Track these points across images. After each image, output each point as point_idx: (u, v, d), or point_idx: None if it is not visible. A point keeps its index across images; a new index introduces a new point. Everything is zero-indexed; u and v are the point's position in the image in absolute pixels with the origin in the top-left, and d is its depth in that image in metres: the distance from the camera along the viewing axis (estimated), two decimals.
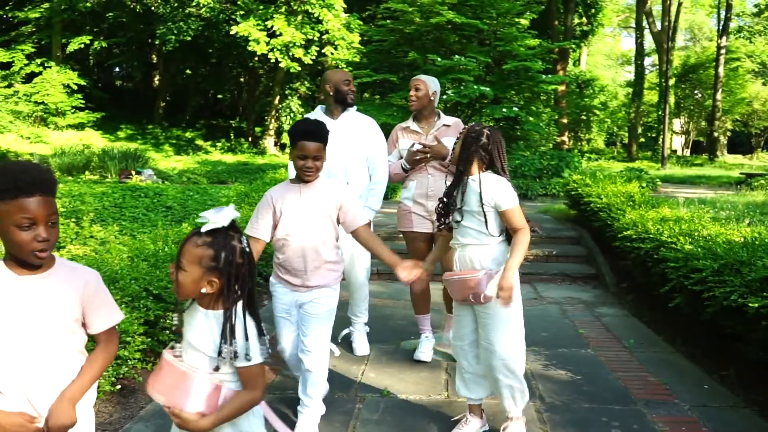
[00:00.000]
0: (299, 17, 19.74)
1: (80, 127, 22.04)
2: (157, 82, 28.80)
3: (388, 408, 3.11)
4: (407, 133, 3.86)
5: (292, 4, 19.69)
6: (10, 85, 21.42)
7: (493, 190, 2.54)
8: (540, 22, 21.46)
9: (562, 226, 7.50)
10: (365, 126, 3.78)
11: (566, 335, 4.36)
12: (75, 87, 22.06)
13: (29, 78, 21.88)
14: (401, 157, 3.80)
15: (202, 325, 1.70)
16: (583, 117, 31.83)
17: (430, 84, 3.81)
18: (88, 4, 21.28)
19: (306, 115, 3.56)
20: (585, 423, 2.93)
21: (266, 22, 19.30)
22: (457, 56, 13.06)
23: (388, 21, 14.23)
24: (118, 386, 3.00)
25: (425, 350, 3.84)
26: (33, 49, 22.19)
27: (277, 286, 2.76)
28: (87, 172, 12.35)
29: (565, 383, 3.44)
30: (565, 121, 25.71)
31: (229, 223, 1.68)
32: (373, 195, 3.79)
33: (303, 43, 19.53)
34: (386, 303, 5.28)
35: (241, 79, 29.58)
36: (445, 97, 13.91)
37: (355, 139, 3.68)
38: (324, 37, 19.76)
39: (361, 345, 4.02)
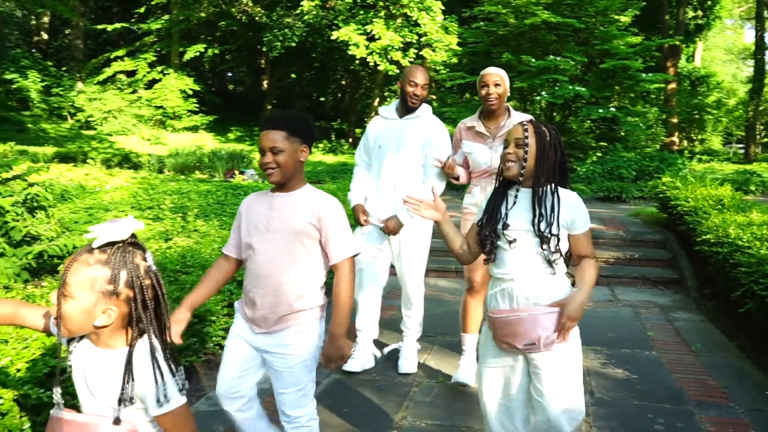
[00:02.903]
0: (398, 21, 20.18)
1: (194, 129, 23.65)
2: (265, 86, 30.30)
3: (441, 393, 3.34)
4: (471, 134, 3.45)
5: (391, 8, 20.17)
6: (134, 91, 23.37)
7: (571, 208, 2.07)
8: (648, 17, 20.64)
9: (648, 229, 7.35)
10: (428, 131, 3.45)
11: (633, 337, 4.38)
12: (190, 92, 23.69)
13: (150, 84, 23.74)
14: (465, 159, 3.49)
15: (101, 369, 1.42)
16: (696, 116, 30.14)
17: (506, 78, 3.40)
18: (202, 15, 22.85)
19: (380, 107, 3.70)
20: (628, 418, 3.03)
21: (366, 27, 19.89)
22: (551, 56, 12.93)
23: (481, 23, 14.32)
24: (204, 359, 3.42)
25: (466, 374, 3.41)
26: (154, 58, 24.06)
27: (238, 314, 2.23)
28: (197, 172, 13.35)
29: (619, 381, 3.51)
30: (675, 120, 24.53)
31: (128, 236, 1.40)
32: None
33: (401, 46, 19.95)
34: (460, 299, 5.45)
35: (343, 82, 30.53)
36: (539, 98, 13.83)
37: (412, 143, 3.42)
38: (422, 39, 20.08)
39: (409, 361, 3.63)
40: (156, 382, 1.40)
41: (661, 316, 4.94)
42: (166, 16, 23.49)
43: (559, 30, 13.56)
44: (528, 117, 3.41)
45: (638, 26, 16.52)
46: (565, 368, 2.08)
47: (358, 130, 27.71)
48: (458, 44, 18.52)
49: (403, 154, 3.44)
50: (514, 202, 2.10)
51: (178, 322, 2.07)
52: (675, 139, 24.83)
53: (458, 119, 14.88)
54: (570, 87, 12.56)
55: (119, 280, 1.36)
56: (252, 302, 2.11)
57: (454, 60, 18.52)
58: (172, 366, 1.45)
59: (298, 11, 20.40)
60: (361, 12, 20.44)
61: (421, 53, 20.27)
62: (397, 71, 21.05)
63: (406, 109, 3.48)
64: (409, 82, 3.41)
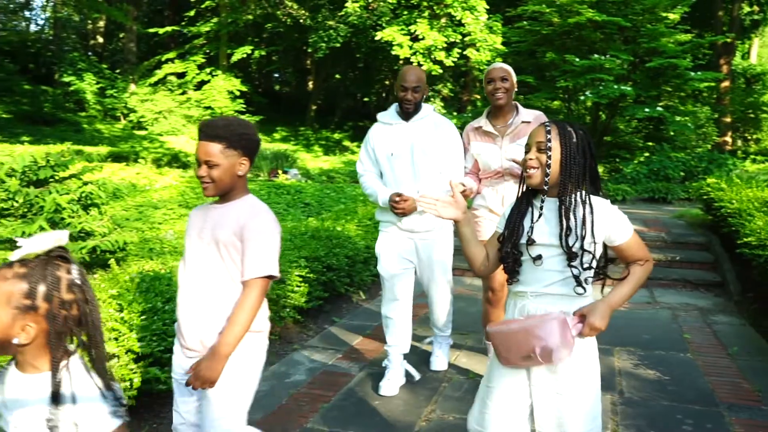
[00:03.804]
0: (441, 20, 20.19)
1: None
2: (310, 87, 30.72)
3: (471, 389, 3.41)
4: (479, 134, 3.36)
5: (435, 8, 20.20)
6: (184, 93, 24.05)
7: (605, 219, 1.82)
8: (700, 13, 20.15)
9: (692, 231, 7.22)
10: (440, 131, 3.28)
11: (668, 339, 4.35)
12: (238, 93, 24.21)
13: (199, 86, 24.39)
14: (475, 161, 3.40)
15: (22, 395, 1.31)
16: (751, 115, 29.12)
17: (513, 74, 3.30)
18: (249, 17, 23.34)
19: (379, 114, 3.44)
20: (656, 417, 3.04)
21: (409, 27, 19.98)
22: (596, 55, 12.78)
23: (525, 22, 14.27)
24: None
25: None
26: (203, 60, 24.70)
27: (176, 339, 2.06)
28: None
29: (649, 382, 3.52)
30: (728, 119, 23.80)
31: (48, 249, 1.31)
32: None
33: (445, 45, 19.96)
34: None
35: (387, 82, 30.66)
36: (582, 98, 13.68)
37: (427, 146, 3.24)
38: (466, 39, 20.05)
39: (439, 359, 3.69)
40: (82, 406, 1.30)
41: (699, 319, 4.88)
42: (215, 19, 24.08)
43: (604, 28, 13.39)
44: (537, 113, 3.36)
45: (690, 23, 16.15)
46: (581, 390, 1.80)
47: None
48: (502, 44, 18.44)
49: (420, 158, 3.24)
50: (540, 214, 1.84)
51: None
52: (728, 138, 24.05)
53: None
54: (615, 86, 12.40)
55: (37, 295, 1.27)
56: (181, 322, 1.97)
57: (499, 60, 18.45)
58: (101, 387, 1.33)
59: (342, 13, 20.65)
60: (405, 12, 20.55)
61: (464, 53, 20.24)
62: (441, 71, 21.11)
63: (406, 112, 3.29)
64: (400, 86, 3.23)
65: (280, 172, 12.51)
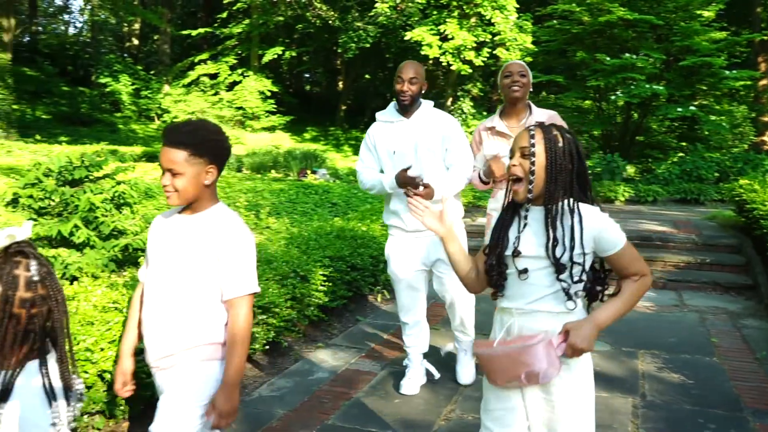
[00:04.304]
0: (471, 20, 20.14)
1: (272, 129, 24.46)
2: (340, 87, 30.90)
3: None
4: (492, 134, 3.29)
5: (464, 8, 20.15)
6: (216, 93, 24.44)
7: (593, 227, 1.69)
8: (738, 11, 19.72)
9: (723, 233, 7.10)
10: (442, 126, 3.18)
11: (695, 342, 4.30)
12: (269, 93, 24.52)
13: (231, 86, 24.77)
14: (488, 161, 3.21)
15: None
16: None
17: (530, 72, 3.26)
18: (280, 18, 23.60)
19: (378, 113, 3.32)
20: (677, 421, 3.02)
21: (439, 27, 19.98)
22: (627, 54, 12.63)
23: (555, 21, 14.17)
24: (267, 347, 3.66)
25: None
26: (235, 61, 25.08)
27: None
28: (273, 171, 13.88)
29: (673, 385, 3.49)
30: (766, 119, 23.23)
31: (3, 246, 1.27)
32: (449, 181, 3.13)
33: (474, 45, 19.90)
34: None
35: None
36: (613, 97, 13.52)
37: (431, 141, 3.15)
38: (496, 38, 19.96)
39: (466, 370, 3.50)
40: (26, 412, 1.26)
41: (728, 323, 4.81)
42: (247, 21, 24.42)
43: (636, 27, 13.21)
44: (551, 113, 3.25)
45: (726, 20, 15.84)
46: (574, 409, 1.73)
47: None
48: (532, 43, 18.33)
49: (425, 155, 3.15)
50: (525, 224, 1.75)
51: (125, 373, 1.95)
52: (766, 138, 23.45)
53: None
54: (647, 86, 12.23)
55: None
56: (145, 335, 1.86)
57: (529, 59, 18.32)
58: (53, 392, 1.30)
59: (372, 13, 20.77)
60: (435, 12, 20.55)
61: (494, 52, 20.15)
62: (470, 71, 21.05)
63: (405, 108, 3.17)
64: (396, 78, 3.12)
65: (308, 172, 12.64)
